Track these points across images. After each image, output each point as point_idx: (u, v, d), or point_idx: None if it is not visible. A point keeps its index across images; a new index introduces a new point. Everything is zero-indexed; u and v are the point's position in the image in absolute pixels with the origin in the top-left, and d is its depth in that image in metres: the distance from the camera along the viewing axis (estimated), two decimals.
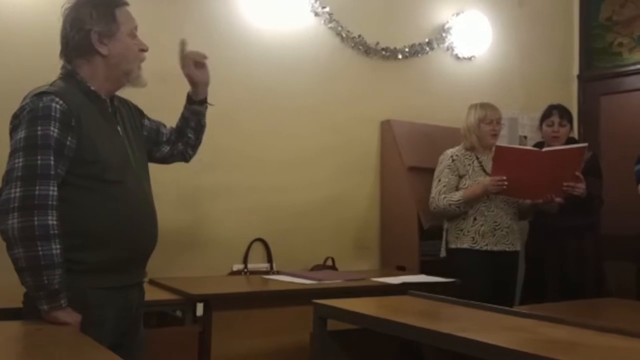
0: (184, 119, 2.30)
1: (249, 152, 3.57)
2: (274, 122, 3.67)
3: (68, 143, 1.82)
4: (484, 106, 3.58)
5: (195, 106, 2.29)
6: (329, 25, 3.86)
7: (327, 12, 3.84)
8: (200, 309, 2.67)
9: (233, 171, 3.50)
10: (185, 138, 2.30)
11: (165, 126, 2.29)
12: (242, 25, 3.58)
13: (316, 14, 3.82)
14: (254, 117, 3.57)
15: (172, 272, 3.14)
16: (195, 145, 2.35)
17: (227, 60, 3.51)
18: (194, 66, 2.23)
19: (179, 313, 2.75)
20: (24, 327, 1.80)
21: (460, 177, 3.52)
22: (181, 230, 3.31)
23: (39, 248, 1.74)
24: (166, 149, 2.28)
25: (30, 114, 1.80)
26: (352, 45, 3.94)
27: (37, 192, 1.75)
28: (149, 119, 2.24)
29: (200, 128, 2.33)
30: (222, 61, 3.50)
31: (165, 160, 2.32)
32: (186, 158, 2.36)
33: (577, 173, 3.36)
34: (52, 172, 1.78)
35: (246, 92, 3.54)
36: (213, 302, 2.66)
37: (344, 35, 3.90)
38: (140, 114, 2.19)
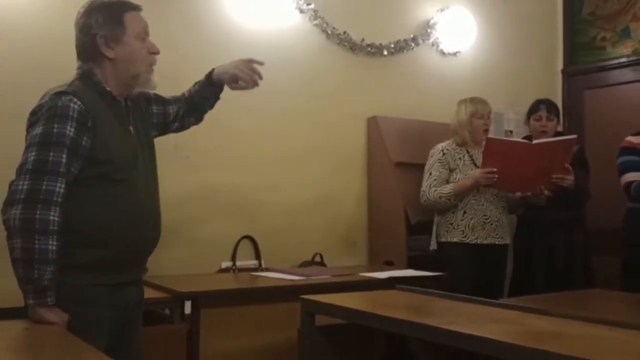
0: (204, 98, 2.36)
1: (235, 150, 3.57)
2: (260, 120, 3.67)
3: (83, 143, 1.85)
4: (474, 101, 3.59)
5: (218, 89, 2.38)
6: (314, 22, 3.86)
7: (311, 9, 3.84)
8: (188, 306, 2.66)
9: (220, 169, 3.50)
10: (200, 111, 2.38)
11: (171, 103, 2.30)
12: (226, 23, 3.58)
13: (301, 11, 3.82)
14: (240, 115, 3.56)
15: (160, 270, 3.12)
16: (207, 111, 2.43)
17: (212, 59, 3.44)
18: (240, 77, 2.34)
19: (167, 311, 2.76)
20: (11, 327, 1.78)
21: (451, 170, 3.53)
22: (169, 228, 3.27)
23: (36, 241, 1.76)
24: (174, 126, 2.33)
25: (49, 112, 1.83)
26: (338, 42, 3.94)
27: (44, 187, 1.78)
28: (156, 103, 2.24)
29: (215, 101, 2.42)
30: (207, 60, 3.47)
31: (175, 131, 2.38)
32: (198, 123, 2.43)
33: (566, 165, 3.38)
34: (62, 170, 1.81)
35: (232, 90, 3.53)
36: (201, 299, 2.65)
37: (329, 32, 3.90)
38: (147, 102, 2.20)
